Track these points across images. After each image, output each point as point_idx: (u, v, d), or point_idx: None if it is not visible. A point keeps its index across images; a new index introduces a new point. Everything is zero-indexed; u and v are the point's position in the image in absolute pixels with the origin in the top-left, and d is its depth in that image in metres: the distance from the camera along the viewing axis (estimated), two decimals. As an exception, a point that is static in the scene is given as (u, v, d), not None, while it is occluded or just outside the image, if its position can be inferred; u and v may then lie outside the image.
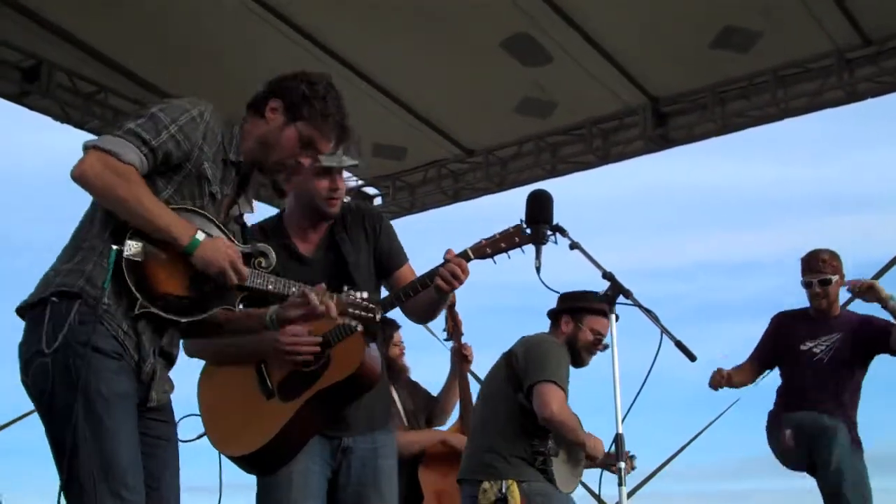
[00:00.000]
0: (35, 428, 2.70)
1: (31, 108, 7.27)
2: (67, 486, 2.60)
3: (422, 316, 3.66)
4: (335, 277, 3.37)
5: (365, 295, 3.00)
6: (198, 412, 3.41)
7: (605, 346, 4.88)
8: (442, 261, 3.26)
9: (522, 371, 4.62)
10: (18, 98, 7.21)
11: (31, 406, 2.72)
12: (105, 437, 2.59)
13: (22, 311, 2.76)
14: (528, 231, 3.29)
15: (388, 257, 3.60)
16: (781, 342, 5.64)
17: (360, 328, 3.07)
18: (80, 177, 2.67)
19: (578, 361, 4.85)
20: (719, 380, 5.51)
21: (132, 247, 2.69)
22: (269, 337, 3.22)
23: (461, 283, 3.26)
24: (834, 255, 5.50)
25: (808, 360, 5.46)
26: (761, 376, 5.73)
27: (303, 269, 3.43)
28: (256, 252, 2.91)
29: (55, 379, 2.62)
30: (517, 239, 3.27)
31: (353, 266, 3.49)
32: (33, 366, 2.67)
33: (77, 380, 2.58)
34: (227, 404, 3.28)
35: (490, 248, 3.26)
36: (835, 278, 5.45)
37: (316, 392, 3.27)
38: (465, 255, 3.26)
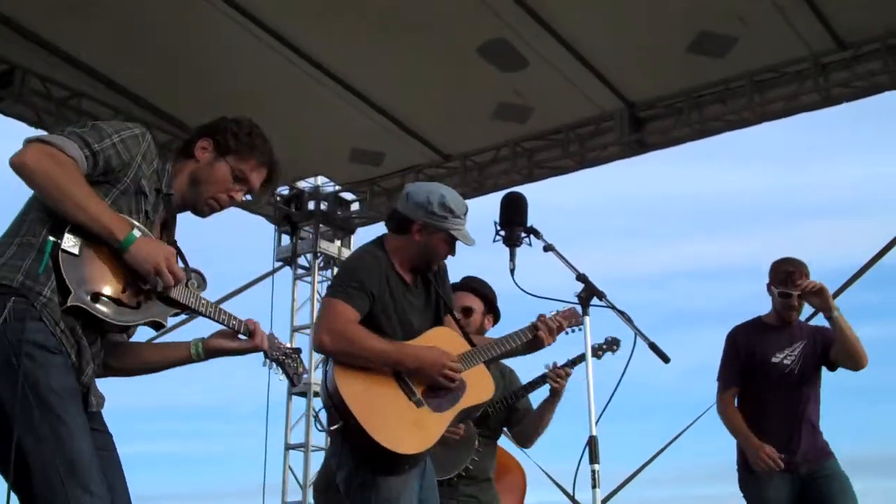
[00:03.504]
0: None
1: (5, 113, 7.23)
2: (29, 487, 2.51)
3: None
4: (431, 307, 3.84)
5: (289, 346, 3.20)
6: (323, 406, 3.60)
7: None
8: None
9: None
10: (-8, 104, 7.17)
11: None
12: (65, 435, 2.53)
13: None
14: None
15: (445, 303, 3.93)
16: (750, 358, 5.54)
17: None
18: (20, 164, 2.58)
19: None
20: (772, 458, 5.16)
21: (70, 240, 2.62)
22: (433, 357, 3.58)
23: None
24: (808, 269, 5.31)
25: (779, 373, 5.39)
26: None
27: (408, 295, 3.75)
28: (189, 273, 2.87)
29: None
30: (574, 319, 3.94)
31: (446, 300, 3.87)
32: None
33: (24, 377, 2.51)
34: (382, 405, 3.50)
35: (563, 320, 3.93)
36: None
37: (462, 408, 3.63)
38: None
